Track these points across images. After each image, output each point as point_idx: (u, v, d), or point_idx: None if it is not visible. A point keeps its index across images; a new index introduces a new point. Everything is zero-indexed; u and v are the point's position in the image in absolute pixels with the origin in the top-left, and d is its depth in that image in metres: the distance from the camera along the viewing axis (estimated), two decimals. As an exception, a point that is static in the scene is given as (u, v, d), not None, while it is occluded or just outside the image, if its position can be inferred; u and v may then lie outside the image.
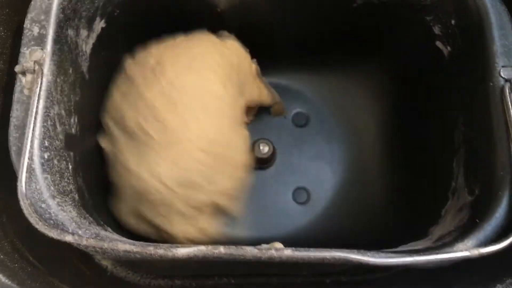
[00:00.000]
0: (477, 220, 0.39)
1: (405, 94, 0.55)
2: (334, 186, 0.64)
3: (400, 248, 0.42)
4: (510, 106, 0.40)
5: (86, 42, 0.48)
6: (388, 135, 0.56)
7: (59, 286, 0.40)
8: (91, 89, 0.49)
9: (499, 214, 0.38)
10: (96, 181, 0.51)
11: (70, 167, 0.43)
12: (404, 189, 0.58)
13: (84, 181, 0.46)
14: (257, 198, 0.64)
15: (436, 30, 0.49)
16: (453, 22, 0.47)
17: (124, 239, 0.40)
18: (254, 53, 0.62)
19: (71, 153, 0.44)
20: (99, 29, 0.50)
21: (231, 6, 0.54)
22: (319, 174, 0.64)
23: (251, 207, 0.64)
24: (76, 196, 0.42)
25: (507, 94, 0.40)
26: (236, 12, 0.55)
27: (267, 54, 0.61)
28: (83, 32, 0.47)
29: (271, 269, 0.54)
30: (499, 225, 0.38)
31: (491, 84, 0.41)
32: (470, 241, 0.37)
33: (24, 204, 0.35)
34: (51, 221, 0.37)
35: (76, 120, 0.45)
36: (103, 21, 0.50)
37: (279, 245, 0.42)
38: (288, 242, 0.61)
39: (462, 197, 0.44)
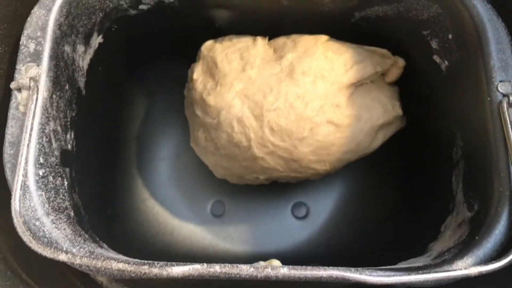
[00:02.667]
0: (476, 237, 0.38)
1: (403, 109, 0.54)
2: (333, 201, 0.63)
3: (399, 265, 0.41)
4: (509, 122, 0.39)
5: (83, 57, 0.48)
6: (387, 150, 0.55)
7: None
8: (89, 105, 0.49)
9: (499, 231, 0.38)
10: (93, 196, 0.51)
11: (66, 183, 0.43)
12: (404, 205, 0.57)
13: (80, 197, 0.46)
14: (256, 213, 0.64)
15: (434, 44, 0.49)
16: (450, 36, 0.47)
17: (119, 256, 0.40)
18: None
19: (67, 169, 0.44)
20: (97, 45, 0.50)
21: (229, 23, 0.54)
22: (318, 188, 0.64)
23: (251, 222, 0.63)
24: (72, 213, 0.42)
25: (505, 109, 0.40)
26: (232, 26, 0.55)
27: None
28: (80, 48, 0.47)
29: None
30: (499, 242, 0.37)
31: (489, 99, 0.41)
32: (469, 259, 0.37)
33: (17, 222, 0.35)
34: (45, 239, 0.36)
35: (72, 136, 0.45)
36: (100, 36, 0.50)
37: (276, 262, 0.42)
38: (288, 257, 0.61)
39: (461, 212, 0.44)
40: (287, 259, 0.61)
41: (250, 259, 0.62)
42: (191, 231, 0.63)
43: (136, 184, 0.63)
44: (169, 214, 0.63)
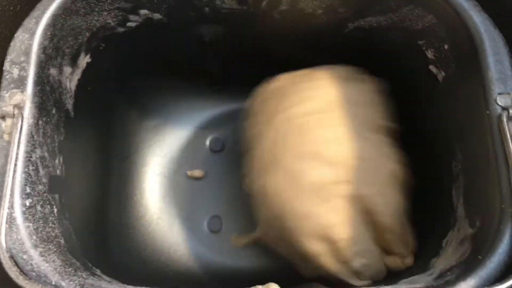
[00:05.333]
0: (479, 256, 0.37)
1: (401, 120, 0.53)
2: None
3: (400, 284, 0.40)
4: (509, 136, 0.38)
5: (71, 79, 0.46)
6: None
7: None
8: (78, 126, 0.48)
9: (502, 250, 0.36)
10: (85, 219, 0.50)
11: (55, 210, 0.42)
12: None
13: (71, 223, 0.44)
14: (254, 227, 0.62)
15: (429, 54, 0.48)
16: (446, 47, 0.46)
17: (112, 286, 0.38)
18: (240, 79, 0.60)
19: (56, 196, 0.42)
20: (84, 65, 0.48)
21: (219, 38, 0.53)
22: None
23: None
24: (62, 241, 0.41)
25: (505, 123, 0.38)
26: (222, 41, 0.54)
27: (254, 81, 0.60)
28: (67, 70, 0.45)
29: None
30: (503, 262, 0.36)
31: (488, 112, 0.40)
32: (472, 280, 0.36)
33: (3, 257, 0.34)
34: (33, 273, 0.35)
35: (61, 160, 0.44)
36: (88, 56, 0.49)
37: (274, 286, 0.41)
38: (286, 272, 0.60)
39: (463, 228, 0.43)
40: (286, 274, 0.60)
41: (248, 275, 0.61)
42: (188, 248, 0.62)
43: (130, 203, 0.61)
44: (165, 232, 0.62)
